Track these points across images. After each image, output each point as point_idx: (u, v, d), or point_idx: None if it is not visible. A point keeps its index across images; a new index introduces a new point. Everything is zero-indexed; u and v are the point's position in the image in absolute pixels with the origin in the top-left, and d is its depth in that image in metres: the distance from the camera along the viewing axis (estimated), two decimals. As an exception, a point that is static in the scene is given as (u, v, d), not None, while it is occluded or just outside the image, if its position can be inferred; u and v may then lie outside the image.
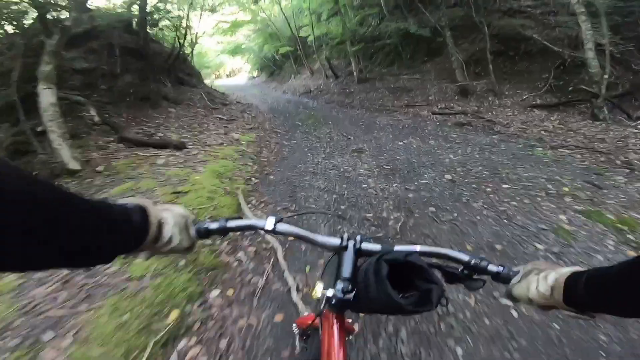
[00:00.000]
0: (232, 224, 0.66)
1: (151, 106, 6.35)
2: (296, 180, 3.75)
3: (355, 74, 11.52)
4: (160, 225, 0.49)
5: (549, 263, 0.56)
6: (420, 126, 6.52)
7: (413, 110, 8.05)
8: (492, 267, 0.61)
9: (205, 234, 0.64)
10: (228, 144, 5.02)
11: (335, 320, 0.68)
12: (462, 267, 0.64)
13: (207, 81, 14.31)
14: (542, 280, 0.51)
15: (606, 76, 5.78)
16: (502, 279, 0.60)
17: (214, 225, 0.65)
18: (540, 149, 4.57)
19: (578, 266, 0.50)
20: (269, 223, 0.67)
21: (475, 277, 0.63)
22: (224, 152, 4.52)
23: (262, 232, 0.70)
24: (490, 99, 7.56)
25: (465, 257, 0.64)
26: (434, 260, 0.67)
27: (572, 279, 0.47)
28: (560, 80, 7.03)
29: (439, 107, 7.85)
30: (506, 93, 7.56)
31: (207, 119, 6.79)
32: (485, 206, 2.91)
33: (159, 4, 7.72)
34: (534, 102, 6.88)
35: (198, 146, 4.71)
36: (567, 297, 0.47)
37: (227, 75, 32.12)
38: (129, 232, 0.43)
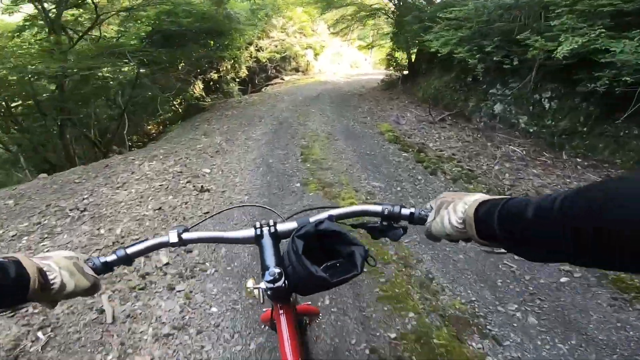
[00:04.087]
0: (132, 249, 0.63)
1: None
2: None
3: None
4: (42, 273, 0.48)
5: (455, 192, 0.53)
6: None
7: None
8: (405, 210, 0.60)
9: (104, 269, 0.60)
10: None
11: (281, 310, 0.66)
12: (379, 219, 0.63)
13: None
14: (452, 212, 0.48)
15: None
16: (417, 220, 0.59)
17: (111, 258, 0.61)
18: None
19: (482, 193, 0.48)
20: (172, 236, 0.64)
21: (395, 225, 0.62)
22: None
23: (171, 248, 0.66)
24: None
25: (378, 208, 0.62)
26: (351, 220, 0.65)
27: (482, 212, 0.44)
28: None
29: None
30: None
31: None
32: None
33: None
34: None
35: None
36: (479, 231, 0.44)
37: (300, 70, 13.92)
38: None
